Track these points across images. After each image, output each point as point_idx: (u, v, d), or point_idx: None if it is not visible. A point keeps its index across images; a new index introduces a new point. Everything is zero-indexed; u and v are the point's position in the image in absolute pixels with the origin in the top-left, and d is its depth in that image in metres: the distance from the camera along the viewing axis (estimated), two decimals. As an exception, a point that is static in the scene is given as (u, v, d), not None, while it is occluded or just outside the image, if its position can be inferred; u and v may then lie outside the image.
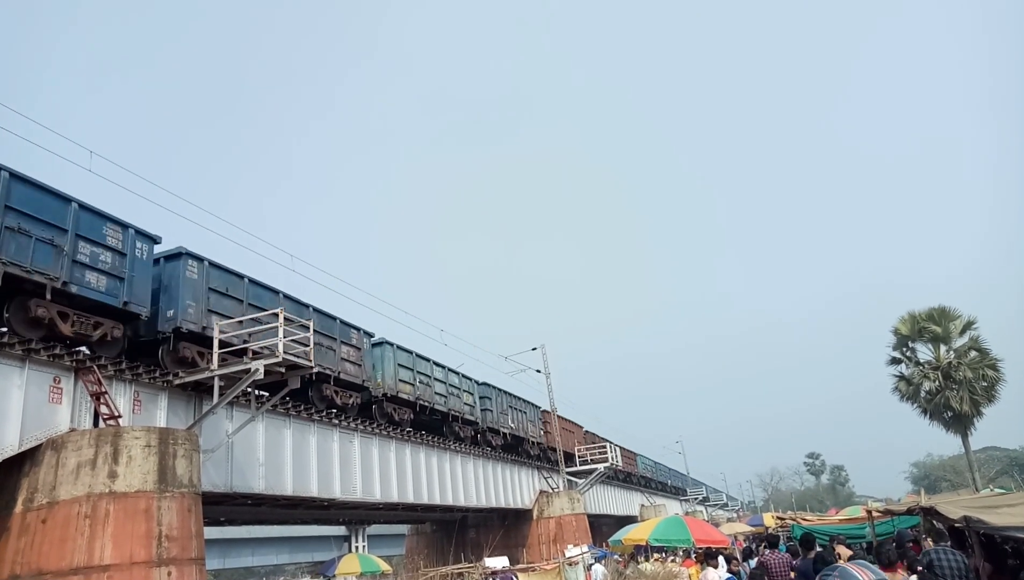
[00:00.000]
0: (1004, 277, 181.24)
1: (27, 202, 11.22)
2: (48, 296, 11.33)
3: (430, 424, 24.36)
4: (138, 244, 13.10)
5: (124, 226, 12.89)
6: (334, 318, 18.55)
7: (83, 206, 12.14)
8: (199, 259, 14.48)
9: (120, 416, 11.98)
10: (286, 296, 16.87)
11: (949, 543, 9.57)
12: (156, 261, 13.91)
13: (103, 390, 11.86)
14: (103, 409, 11.81)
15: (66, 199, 11.88)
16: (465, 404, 25.98)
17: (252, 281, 15.93)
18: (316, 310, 17.71)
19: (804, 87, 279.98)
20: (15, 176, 11.10)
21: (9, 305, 11.18)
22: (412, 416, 22.55)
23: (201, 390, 14.26)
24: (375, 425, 20.59)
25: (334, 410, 18.78)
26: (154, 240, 13.57)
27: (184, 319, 13.72)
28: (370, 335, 20.13)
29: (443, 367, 24.70)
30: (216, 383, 13.25)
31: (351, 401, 19.04)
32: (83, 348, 12.32)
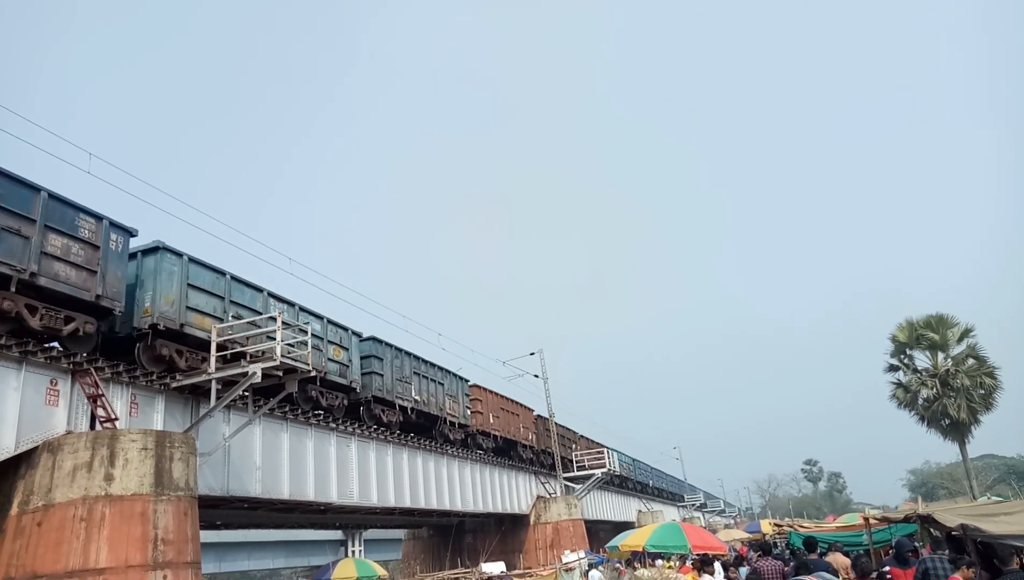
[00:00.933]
0: (1004, 284, 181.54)
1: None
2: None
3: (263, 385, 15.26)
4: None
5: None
6: (36, 188, 11.53)
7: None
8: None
9: (117, 419, 11.97)
10: None
11: (947, 552, 9.57)
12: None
13: (100, 392, 11.84)
14: (100, 411, 11.79)
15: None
16: (332, 361, 18.24)
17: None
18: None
19: (807, 93, 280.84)
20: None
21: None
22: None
23: (198, 393, 14.24)
24: (372, 430, 20.55)
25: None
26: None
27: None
28: (129, 233, 13.07)
29: (291, 304, 17.16)
30: (213, 386, 13.24)
31: (69, 328, 11.83)
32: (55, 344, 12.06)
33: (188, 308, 13.93)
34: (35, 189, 11.46)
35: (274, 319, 14.07)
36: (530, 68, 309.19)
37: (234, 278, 15.39)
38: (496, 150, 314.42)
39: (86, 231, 12.16)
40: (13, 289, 10.92)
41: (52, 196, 11.70)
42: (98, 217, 12.42)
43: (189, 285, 14.09)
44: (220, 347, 13.45)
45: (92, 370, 11.91)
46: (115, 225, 12.71)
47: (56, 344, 11.96)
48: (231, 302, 15.19)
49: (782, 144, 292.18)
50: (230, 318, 14.76)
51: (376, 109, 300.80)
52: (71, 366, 11.85)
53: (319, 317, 18.16)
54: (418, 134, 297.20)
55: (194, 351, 14.01)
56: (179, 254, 14.06)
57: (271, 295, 16.46)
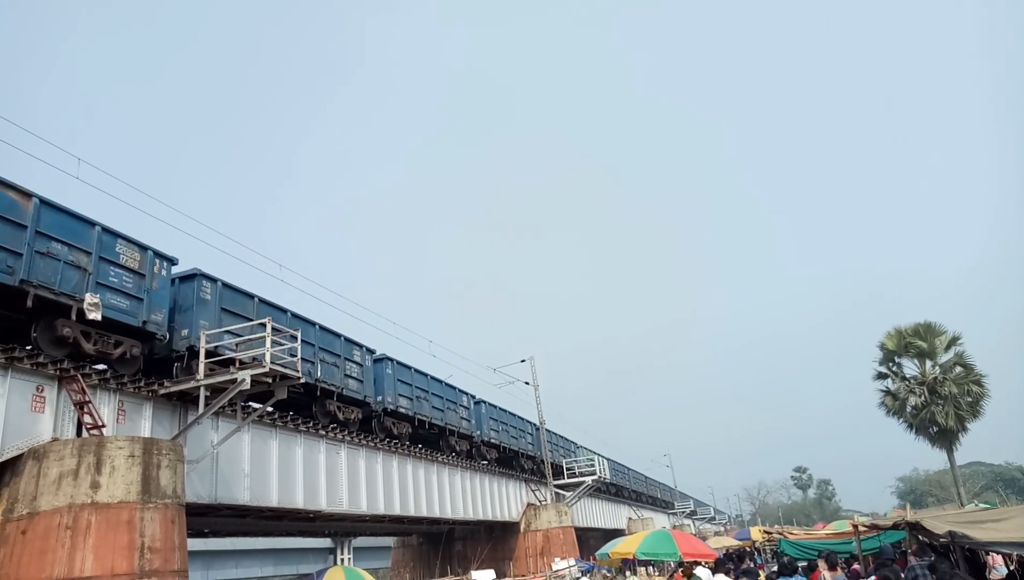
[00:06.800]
0: (994, 294, 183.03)
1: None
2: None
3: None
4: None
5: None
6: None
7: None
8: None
9: (104, 426, 11.85)
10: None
11: (931, 557, 9.63)
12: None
13: (87, 399, 11.72)
14: (87, 418, 11.68)
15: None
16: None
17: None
18: None
19: (804, 94, 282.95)
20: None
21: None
22: None
23: (187, 400, 14.13)
24: (362, 436, 20.47)
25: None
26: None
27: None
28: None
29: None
30: (202, 393, 13.14)
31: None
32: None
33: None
34: None
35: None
36: (528, 71, 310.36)
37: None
38: (493, 154, 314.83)
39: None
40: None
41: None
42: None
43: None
44: (209, 354, 13.38)
45: (79, 376, 11.80)
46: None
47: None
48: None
49: (775, 147, 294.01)
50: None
51: (377, 111, 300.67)
52: (58, 372, 11.73)
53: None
54: (416, 138, 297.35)
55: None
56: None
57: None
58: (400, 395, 22.49)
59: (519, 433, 32.95)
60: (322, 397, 18.51)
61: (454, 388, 26.80)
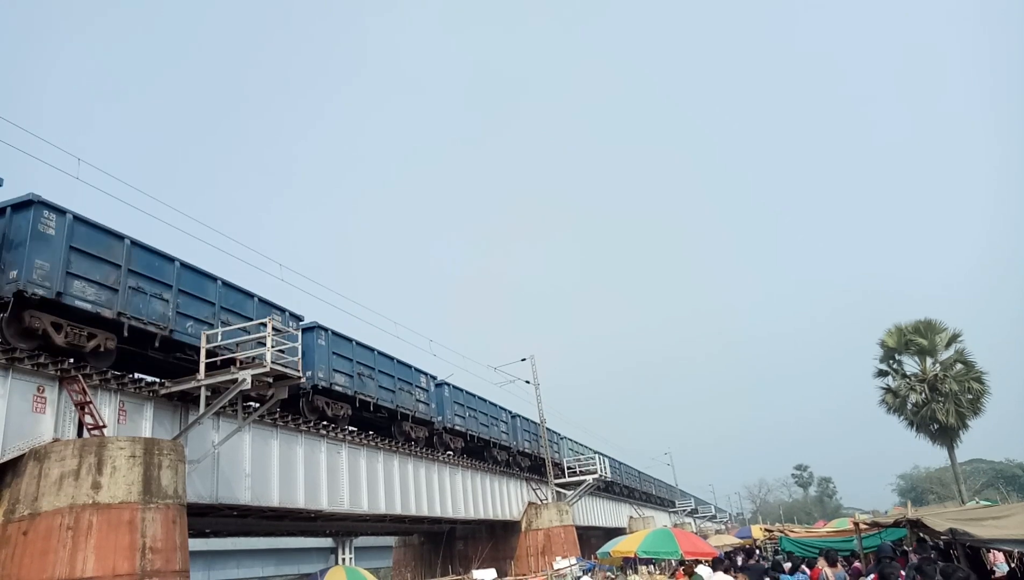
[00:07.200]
0: (995, 292, 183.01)
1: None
2: None
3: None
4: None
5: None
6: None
7: None
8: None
9: (105, 426, 11.87)
10: None
11: (920, 558, 9.65)
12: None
13: (88, 399, 11.74)
14: (88, 419, 11.69)
15: None
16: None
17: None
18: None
19: (804, 95, 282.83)
20: None
21: None
22: None
23: (187, 400, 14.15)
24: (363, 436, 20.48)
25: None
26: None
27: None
28: None
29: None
30: (203, 393, 13.16)
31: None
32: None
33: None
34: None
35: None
36: (528, 73, 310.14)
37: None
38: (493, 155, 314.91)
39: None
40: None
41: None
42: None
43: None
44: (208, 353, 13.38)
45: (80, 377, 11.81)
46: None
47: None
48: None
49: (777, 145, 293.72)
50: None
51: (378, 111, 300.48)
52: (59, 373, 11.74)
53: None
54: (415, 138, 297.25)
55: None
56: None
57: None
58: (337, 371, 19.18)
59: (491, 420, 29.78)
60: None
61: (409, 367, 23.33)
